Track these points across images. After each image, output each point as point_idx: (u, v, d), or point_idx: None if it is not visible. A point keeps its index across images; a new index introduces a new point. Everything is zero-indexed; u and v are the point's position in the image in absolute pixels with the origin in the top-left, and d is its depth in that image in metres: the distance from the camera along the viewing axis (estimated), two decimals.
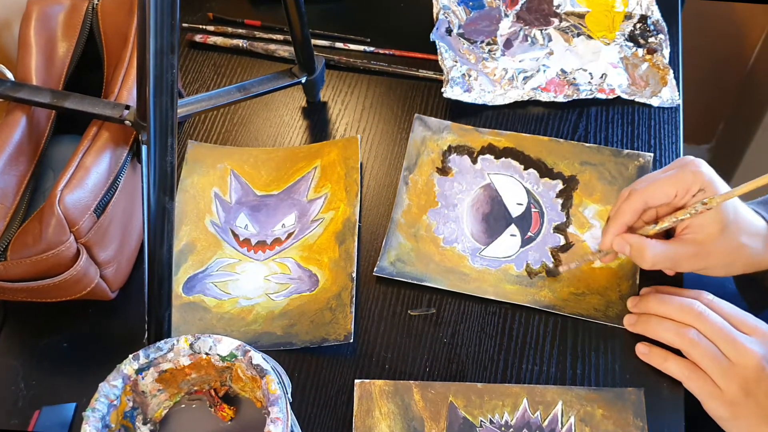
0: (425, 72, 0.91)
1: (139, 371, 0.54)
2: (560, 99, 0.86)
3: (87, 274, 0.68)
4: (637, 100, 0.86)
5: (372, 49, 0.94)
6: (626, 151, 0.81)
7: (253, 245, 0.78)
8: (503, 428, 0.65)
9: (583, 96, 0.86)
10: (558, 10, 0.94)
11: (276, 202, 0.81)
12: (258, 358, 0.54)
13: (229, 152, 0.85)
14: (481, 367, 0.69)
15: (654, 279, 0.72)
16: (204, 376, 0.57)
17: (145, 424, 0.57)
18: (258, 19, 0.97)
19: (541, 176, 0.80)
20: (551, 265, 0.74)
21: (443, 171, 0.81)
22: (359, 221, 0.78)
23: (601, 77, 0.87)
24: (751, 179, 0.62)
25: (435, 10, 0.93)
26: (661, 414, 0.66)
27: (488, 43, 0.91)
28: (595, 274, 0.73)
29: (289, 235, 0.78)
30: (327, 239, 0.77)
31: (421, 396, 0.67)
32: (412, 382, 0.68)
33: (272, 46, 0.94)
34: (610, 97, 0.86)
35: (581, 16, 0.94)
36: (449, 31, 0.91)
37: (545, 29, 0.92)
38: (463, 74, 0.87)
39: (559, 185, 0.79)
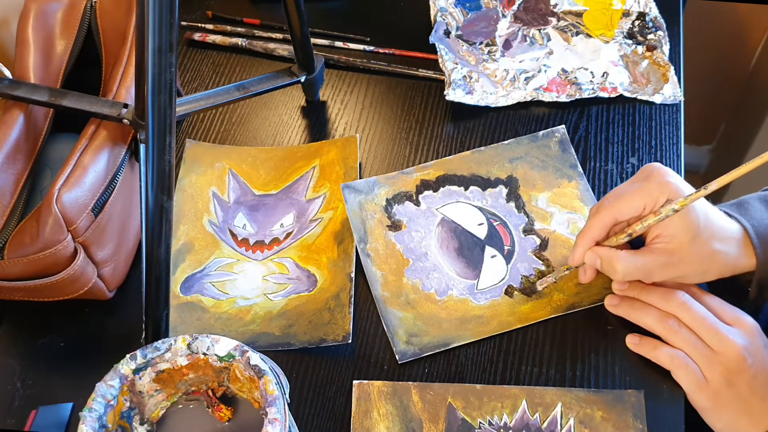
0: (425, 72, 0.90)
1: (136, 371, 0.54)
2: (563, 99, 0.86)
3: (84, 273, 0.67)
4: (639, 97, 0.86)
5: (372, 48, 0.94)
6: (540, 132, 0.82)
7: (251, 245, 0.78)
8: (502, 430, 0.65)
9: (585, 95, 0.86)
10: (555, 9, 0.94)
11: (274, 202, 0.81)
12: (256, 358, 0.53)
13: (227, 151, 0.84)
14: (480, 368, 0.69)
15: None
16: (201, 377, 0.57)
17: (142, 424, 0.56)
18: (257, 18, 0.97)
19: (483, 189, 0.79)
20: (532, 279, 0.73)
21: (394, 226, 0.76)
22: None
23: (603, 76, 0.87)
24: (752, 180, 0.62)
25: (432, 13, 0.93)
26: (661, 416, 0.65)
27: (487, 44, 0.91)
28: None
29: (288, 234, 0.78)
30: (326, 239, 0.77)
31: (420, 397, 0.67)
32: (410, 383, 0.68)
33: (271, 45, 0.94)
34: (613, 95, 0.86)
35: (579, 14, 0.94)
36: (447, 33, 0.91)
37: (543, 29, 0.92)
38: (464, 76, 0.87)
39: (503, 190, 0.79)
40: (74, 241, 0.66)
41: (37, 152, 0.72)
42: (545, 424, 0.65)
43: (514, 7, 0.94)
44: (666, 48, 0.90)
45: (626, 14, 0.93)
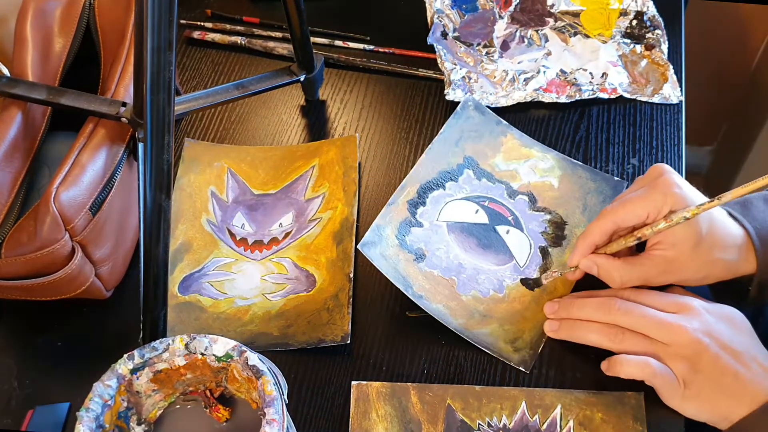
0: (425, 71, 0.90)
1: (133, 371, 0.54)
2: (563, 100, 0.86)
3: (82, 272, 0.67)
4: (639, 99, 0.86)
5: (372, 47, 0.93)
6: (456, 111, 0.82)
7: (249, 245, 0.77)
8: (501, 431, 0.65)
9: (585, 96, 0.86)
10: (552, 10, 0.94)
11: (273, 201, 0.80)
12: (254, 358, 0.53)
13: (226, 150, 0.84)
14: (480, 369, 0.69)
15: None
16: (199, 377, 0.57)
17: (139, 424, 0.56)
18: (257, 16, 0.97)
19: (456, 180, 0.78)
20: (536, 275, 0.73)
21: (420, 257, 0.73)
22: (357, 221, 0.77)
23: (602, 76, 0.87)
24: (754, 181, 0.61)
25: (429, 14, 0.92)
26: (661, 419, 0.65)
27: (485, 46, 0.91)
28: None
29: (287, 234, 0.78)
30: (324, 239, 0.76)
31: (419, 398, 0.67)
32: (409, 384, 0.67)
33: (271, 44, 0.94)
34: (613, 96, 0.86)
35: (576, 14, 0.93)
36: (445, 35, 0.91)
37: (541, 30, 0.92)
38: (464, 77, 0.86)
39: (469, 173, 0.79)
40: (72, 240, 0.65)
41: (34, 150, 0.71)
42: (545, 426, 0.65)
43: (511, 8, 0.94)
44: (665, 47, 0.90)
45: (624, 13, 0.93)
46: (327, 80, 0.90)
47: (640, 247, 0.69)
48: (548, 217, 0.77)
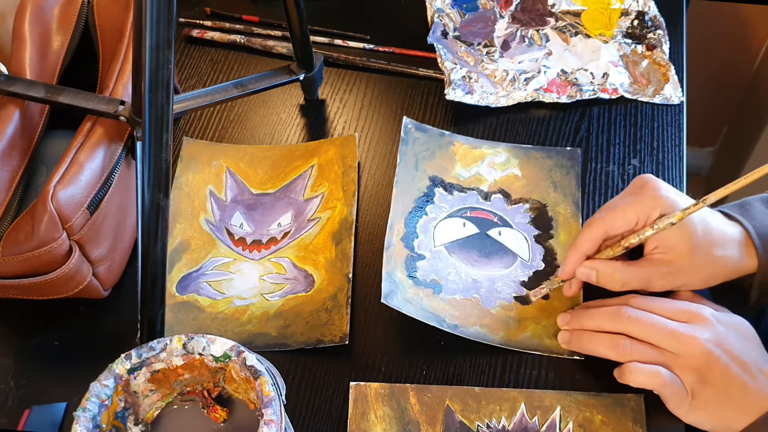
0: (425, 71, 0.90)
1: (131, 371, 0.54)
2: (563, 100, 0.86)
3: (79, 271, 0.67)
4: (640, 99, 0.86)
5: (371, 46, 0.93)
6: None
7: (248, 244, 0.77)
8: None
9: (586, 96, 0.86)
10: (553, 10, 0.94)
11: (272, 201, 0.80)
12: (252, 359, 0.53)
13: (224, 149, 0.84)
14: (479, 370, 0.69)
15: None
16: (197, 377, 0.57)
17: (136, 424, 0.56)
18: (256, 15, 0.97)
19: (425, 202, 0.78)
20: (525, 291, 0.72)
21: (438, 288, 0.73)
22: (356, 221, 0.77)
23: (603, 77, 0.87)
24: (755, 184, 0.61)
25: (429, 14, 0.92)
26: (661, 421, 0.65)
27: (485, 45, 0.91)
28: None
29: (285, 234, 0.77)
30: (323, 239, 0.76)
31: (417, 399, 0.66)
32: (408, 385, 0.67)
33: (270, 43, 0.93)
34: (614, 97, 0.86)
35: (577, 14, 0.93)
36: (445, 34, 0.90)
37: (542, 29, 0.92)
38: (464, 76, 0.86)
39: (431, 189, 0.79)
40: (69, 239, 0.65)
41: (32, 149, 0.71)
42: (544, 428, 0.65)
43: (512, 8, 0.94)
44: (666, 47, 0.90)
45: (625, 13, 0.93)
46: (326, 79, 0.90)
47: (636, 256, 0.69)
48: (527, 206, 0.78)
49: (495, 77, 0.87)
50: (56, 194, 0.63)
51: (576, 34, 0.91)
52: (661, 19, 0.91)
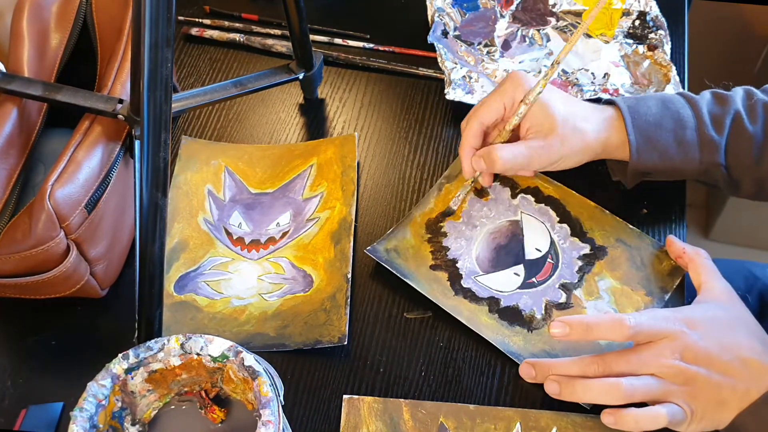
0: (425, 70, 0.90)
1: (128, 371, 0.54)
2: None
3: (77, 270, 0.67)
4: None
5: (371, 45, 0.93)
6: (666, 248, 0.76)
7: (246, 244, 0.77)
8: None
9: (587, 97, 0.85)
10: (554, 9, 0.93)
11: (271, 201, 0.80)
12: (250, 359, 0.53)
13: (223, 149, 0.84)
14: (478, 371, 0.68)
15: None
16: (195, 377, 0.56)
17: (133, 425, 0.56)
18: (255, 13, 0.97)
19: (572, 235, 0.77)
20: (539, 316, 0.71)
21: (480, 192, 0.79)
22: (355, 221, 0.77)
23: (604, 77, 0.86)
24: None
25: (429, 13, 0.92)
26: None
27: (486, 45, 0.90)
28: (580, 345, 0.70)
29: (284, 234, 0.77)
30: (322, 239, 0.76)
31: (411, 415, 0.65)
32: (402, 400, 0.66)
33: (270, 41, 0.93)
34: (615, 96, 0.85)
35: (578, 14, 0.93)
36: (445, 34, 0.90)
37: (543, 29, 0.92)
38: (464, 76, 0.86)
39: (585, 249, 0.76)
40: (67, 238, 0.65)
41: (30, 147, 0.71)
42: None
43: (513, 7, 0.93)
44: (667, 47, 0.89)
45: (626, 13, 0.92)
46: (326, 78, 0.90)
47: None
48: (538, 316, 0.73)
49: (495, 77, 0.87)
50: (54, 193, 0.63)
51: None
52: (663, 20, 0.91)
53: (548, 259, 0.75)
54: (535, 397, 0.67)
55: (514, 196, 0.79)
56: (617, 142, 0.74)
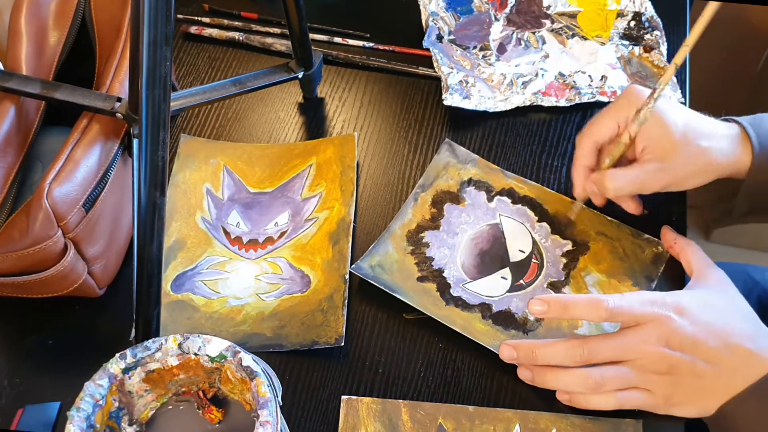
0: (425, 70, 0.89)
1: (125, 371, 0.54)
2: (562, 103, 0.85)
3: (74, 270, 0.67)
4: None
5: (371, 44, 0.93)
6: (646, 235, 0.75)
7: (244, 243, 0.76)
8: None
9: (585, 99, 0.85)
10: (549, 11, 0.93)
11: (269, 200, 0.79)
12: (248, 359, 0.53)
13: (222, 147, 0.83)
14: (477, 372, 0.68)
15: None
16: (192, 377, 0.56)
17: (131, 425, 0.56)
18: (255, 12, 0.96)
19: (552, 233, 0.77)
20: (533, 318, 0.71)
21: (456, 199, 0.78)
22: (354, 222, 0.77)
23: (601, 79, 0.86)
24: None
25: (423, 17, 0.91)
26: (660, 423, 0.64)
27: (481, 49, 0.90)
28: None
29: (282, 234, 0.77)
30: (320, 239, 0.75)
31: (410, 416, 0.65)
32: (400, 401, 0.66)
33: (269, 40, 0.93)
34: (613, 99, 0.85)
35: (573, 16, 0.93)
36: (440, 38, 0.90)
37: (538, 32, 0.91)
38: (461, 81, 0.85)
39: (567, 246, 0.76)
40: (64, 237, 0.65)
41: (28, 145, 0.71)
42: None
43: (507, 10, 0.93)
44: (664, 48, 0.89)
45: (621, 15, 0.92)
46: (325, 78, 0.89)
47: None
48: (531, 318, 0.73)
49: (492, 81, 0.87)
50: (51, 191, 0.63)
51: (572, 36, 0.90)
52: (659, 20, 0.91)
53: (533, 260, 0.75)
54: (534, 399, 0.67)
55: (490, 199, 0.78)
56: (740, 164, 0.69)
